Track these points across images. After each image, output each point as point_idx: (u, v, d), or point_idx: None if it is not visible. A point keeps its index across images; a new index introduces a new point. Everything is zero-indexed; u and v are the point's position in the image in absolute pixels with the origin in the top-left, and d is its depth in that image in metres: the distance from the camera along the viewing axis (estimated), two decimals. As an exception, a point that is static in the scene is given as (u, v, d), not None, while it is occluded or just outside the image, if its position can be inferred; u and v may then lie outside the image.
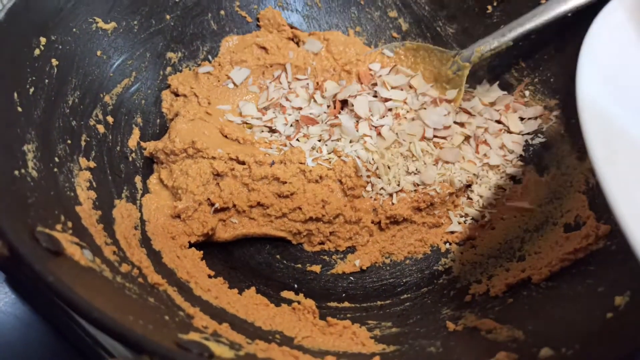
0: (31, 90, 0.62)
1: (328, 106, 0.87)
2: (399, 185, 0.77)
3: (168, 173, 0.76)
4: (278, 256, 0.77)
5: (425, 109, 0.84)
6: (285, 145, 0.81)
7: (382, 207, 0.76)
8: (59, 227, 0.52)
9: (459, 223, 0.80)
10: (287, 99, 0.88)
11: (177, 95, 0.85)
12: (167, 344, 0.42)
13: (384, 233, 0.78)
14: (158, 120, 0.84)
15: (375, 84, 0.88)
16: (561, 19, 0.83)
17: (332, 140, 0.80)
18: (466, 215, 0.81)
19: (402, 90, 0.86)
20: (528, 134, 0.86)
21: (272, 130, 0.85)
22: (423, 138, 0.81)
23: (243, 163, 0.75)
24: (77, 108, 0.70)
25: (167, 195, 0.74)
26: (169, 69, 0.87)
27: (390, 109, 0.84)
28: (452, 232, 0.80)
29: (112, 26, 0.78)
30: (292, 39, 0.95)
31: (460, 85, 0.86)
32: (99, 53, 0.76)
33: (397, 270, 0.76)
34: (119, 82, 0.79)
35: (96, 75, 0.75)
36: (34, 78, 0.64)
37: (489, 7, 0.91)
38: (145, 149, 0.78)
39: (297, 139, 0.82)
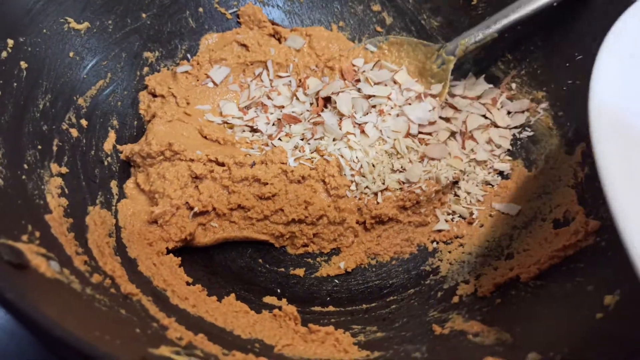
0: (-2, 94, 0.60)
1: (311, 104, 0.85)
2: (383, 183, 0.75)
3: (145, 177, 0.73)
4: (260, 260, 0.75)
5: (409, 104, 0.81)
6: (267, 145, 0.79)
7: (367, 207, 0.74)
8: (24, 237, 0.50)
9: (446, 221, 0.78)
10: (268, 97, 0.86)
11: (154, 96, 0.83)
12: (133, 361, 0.40)
13: (369, 233, 0.76)
14: (135, 122, 0.81)
15: (358, 80, 0.86)
16: (547, 10, 0.81)
17: (314, 139, 0.78)
18: (453, 212, 0.79)
19: (385, 85, 0.84)
20: (515, 127, 0.84)
21: (253, 130, 0.83)
22: (408, 135, 0.79)
23: (223, 165, 0.73)
24: (49, 112, 0.68)
25: (144, 200, 0.72)
26: (146, 69, 0.84)
27: (374, 106, 0.82)
28: (439, 231, 0.78)
29: (85, 26, 0.76)
30: (274, 36, 0.93)
31: (445, 80, 0.84)
32: (71, 54, 0.73)
33: (383, 271, 0.75)
34: (93, 83, 0.76)
35: (69, 78, 0.73)
36: (0, 82, 0.61)
37: (474, -1, 0.88)
38: (121, 152, 0.76)
39: (279, 139, 0.79)
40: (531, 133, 0.83)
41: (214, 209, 0.71)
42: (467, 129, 0.83)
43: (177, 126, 0.77)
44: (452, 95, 0.87)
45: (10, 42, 0.64)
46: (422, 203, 0.76)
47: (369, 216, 0.74)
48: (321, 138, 0.78)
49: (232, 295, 0.66)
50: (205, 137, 0.79)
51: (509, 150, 0.83)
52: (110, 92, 0.79)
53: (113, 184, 0.73)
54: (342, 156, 0.75)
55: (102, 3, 0.78)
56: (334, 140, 0.78)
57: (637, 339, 0.44)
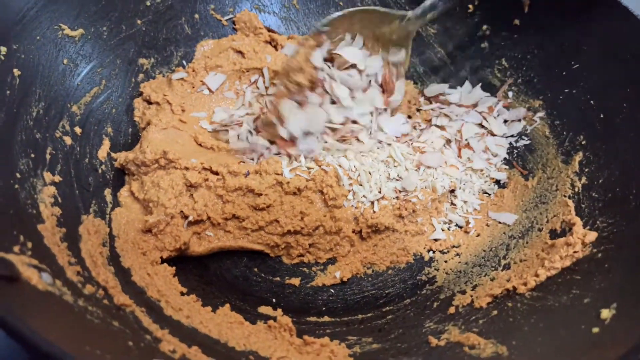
0: (-10, 102, 0.59)
1: None
2: (380, 192, 0.75)
3: (139, 185, 0.73)
4: (255, 269, 0.74)
5: (380, 114, 0.81)
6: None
7: (363, 216, 0.73)
8: (16, 248, 0.49)
9: (443, 230, 0.78)
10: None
11: (149, 103, 0.82)
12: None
13: (365, 242, 0.75)
14: (130, 130, 0.81)
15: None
16: (543, 18, 0.81)
17: None
18: (450, 222, 0.79)
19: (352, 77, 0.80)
20: (512, 136, 0.84)
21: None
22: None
23: (217, 173, 0.72)
24: (42, 120, 0.67)
25: (138, 209, 0.71)
26: (141, 75, 0.84)
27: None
28: (436, 240, 0.77)
29: (80, 33, 0.75)
30: (270, 43, 0.93)
31: (407, 46, 0.81)
32: (65, 61, 0.73)
33: (379, 281, 0.74)
34: (87, 91, 0.75)
35: (62, 85, 0.72)
36: (-7, 90, 0.61)
37: (470, 6, 0.88)
38: (115, 160, 0.76)
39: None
40: (528, 142, 0.82)
41: (209, 218, 0.71)
42: (463, 137, 0.83)
43: (172, 134, 0.77)
44: (448, 104, 0.87)
45: (3, 49, 0.64)
46: (419, 212, 0.76)
47: (365, 225, 0.73)
48: None
49: (227, 305, 0.65)
50: (200, 145, 0.78)
51: (505, 159, 0.83)
52: (104, 99, 0.78)
53: (107, 192, 0.72)
54: (340, 166, 0.75)
55: (96, 9, 0.78)
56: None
57: (632, 355, 0.44)
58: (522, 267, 0.67)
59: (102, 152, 0.75)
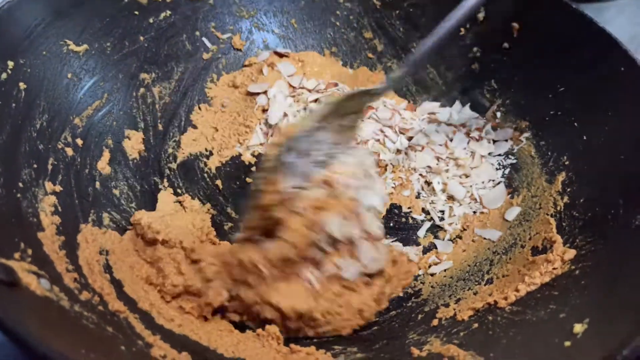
0: (-4, 114, 0.62)
1: None
2: None
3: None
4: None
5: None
6: None
7: None
8: (17, 255, 0.52)
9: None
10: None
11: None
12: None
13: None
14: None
15: None
16: (531, 42, 0.84)
17: None
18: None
19: None
20: (499, 155, 0.87)
21: None
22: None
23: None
24: (45, 131, 0.70)
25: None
26: (142, 90, 0.87)
27: None
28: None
29: (84, 48, 0.78)
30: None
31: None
32: (69, 75, 0.76)
33: (366, 293, 0.76)
34: (89, 104, 0.78)
35: (66, 98, 0.75)
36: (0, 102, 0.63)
37: (462, 29, 0.91)
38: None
39: None
40: (514, 161, 0.85)
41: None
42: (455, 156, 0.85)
43: None
44: (438, 123, 0.90)
45: (11, 63, 0.67)
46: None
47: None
48: None
49: (219, 313, 0.67)
50: None
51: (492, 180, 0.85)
52: (106, 112, 0.81)
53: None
54: None
55: (100, 26, 0.81)
56: None
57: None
58: (504, 282, 0.69)
59: (102, 164, 0.77)
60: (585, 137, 0.75)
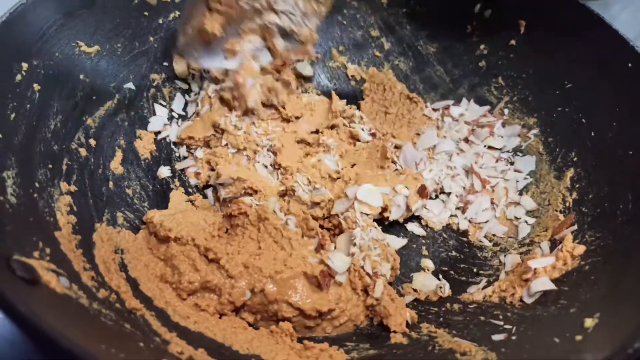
0: (12, 116, 0.63)
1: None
2: None
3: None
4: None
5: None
6: None
7: None
8: (36, 254, 0.53)
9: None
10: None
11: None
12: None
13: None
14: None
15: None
16: (538, 39, 0.85)
17: None
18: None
19: None
20: (507, 151, 0.87)
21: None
22: None
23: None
24: (59, 132, 0.71)
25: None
26: (152, 90, 0.87)
27: None
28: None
29: (96, 49, 0.79)
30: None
31: None
32: (81, 76, 0.77)
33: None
34: (101, 104, 0.79)
35: (79, 99, 0.76)
36: (15, 104, 0.64)
37: (469, 26, 0.92)
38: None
39: None
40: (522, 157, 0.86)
41: None
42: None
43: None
44: (454, 119, 0.91)
45: (25, 65, 0.67)
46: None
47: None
48: None
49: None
50: None
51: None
52: (117, 113, 0.82)
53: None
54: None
55: (111, 27, 0.82)
56: None
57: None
58: (514, 278, 0.70)
59: (115, 164, 0.78)
60: (593, 133, 0.76)
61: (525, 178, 0.83)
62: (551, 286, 0.63)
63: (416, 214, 0.80)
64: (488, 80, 0.93)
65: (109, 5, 0.81)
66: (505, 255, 0.75)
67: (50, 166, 0.67)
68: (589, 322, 0.54)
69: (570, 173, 0.77)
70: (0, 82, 0.64)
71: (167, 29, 0.89)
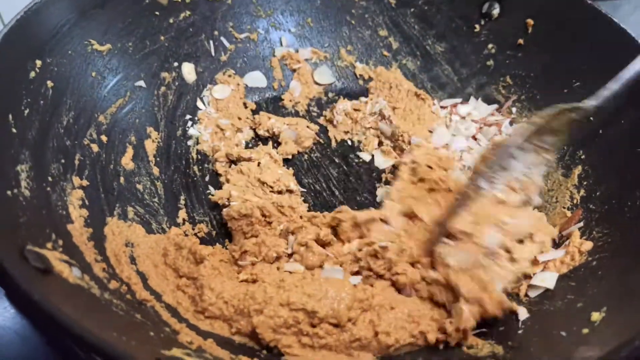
0: (26, 111, 0.64)
1: None
2: None
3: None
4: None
5: None
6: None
7: None
8: (49, 245, 0.54)
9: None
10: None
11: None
12: (148, 360, 0.43)
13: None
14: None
15: None
16: (545, 38, 0.85)
17: None
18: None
19: None
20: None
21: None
22: None
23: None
24: (72, 128, 0.72)
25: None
26: (163, 88, 0.89)
27: None
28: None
29: (107, 48, 0.80)
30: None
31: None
32: (93, 74, 0.78)
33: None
34: (113, 102, 0.80)
35: (91, 96, 0.77)
36: (29, 100, 0.65)
37: (477, 26, 0.93)
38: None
39: None
40: (530, 155, 0.86)
41: None
42: None
43: None
44: (462, 117, 0.91)
45: (38, 62, 0.69)
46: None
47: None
48: None
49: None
50: None
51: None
52: (129, 110, 0.83)
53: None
54: None
55: (123, 26, 0.83)
56: None
57: (618, 351, 0.47)
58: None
59: (126, 159, 0.79)
60: (600, 131, 0.76)
61: None
62: (550, 285, 0.63)
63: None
64: (496, 79, 0.93)
65: (121, 4, 0.82)
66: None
67: (62, 161, 0.68)
68: (595, 316, 0.54)
69: (578, 170, 0.77)
70: (14, 79, 0.65)
71: (178, 28, 0.90)
